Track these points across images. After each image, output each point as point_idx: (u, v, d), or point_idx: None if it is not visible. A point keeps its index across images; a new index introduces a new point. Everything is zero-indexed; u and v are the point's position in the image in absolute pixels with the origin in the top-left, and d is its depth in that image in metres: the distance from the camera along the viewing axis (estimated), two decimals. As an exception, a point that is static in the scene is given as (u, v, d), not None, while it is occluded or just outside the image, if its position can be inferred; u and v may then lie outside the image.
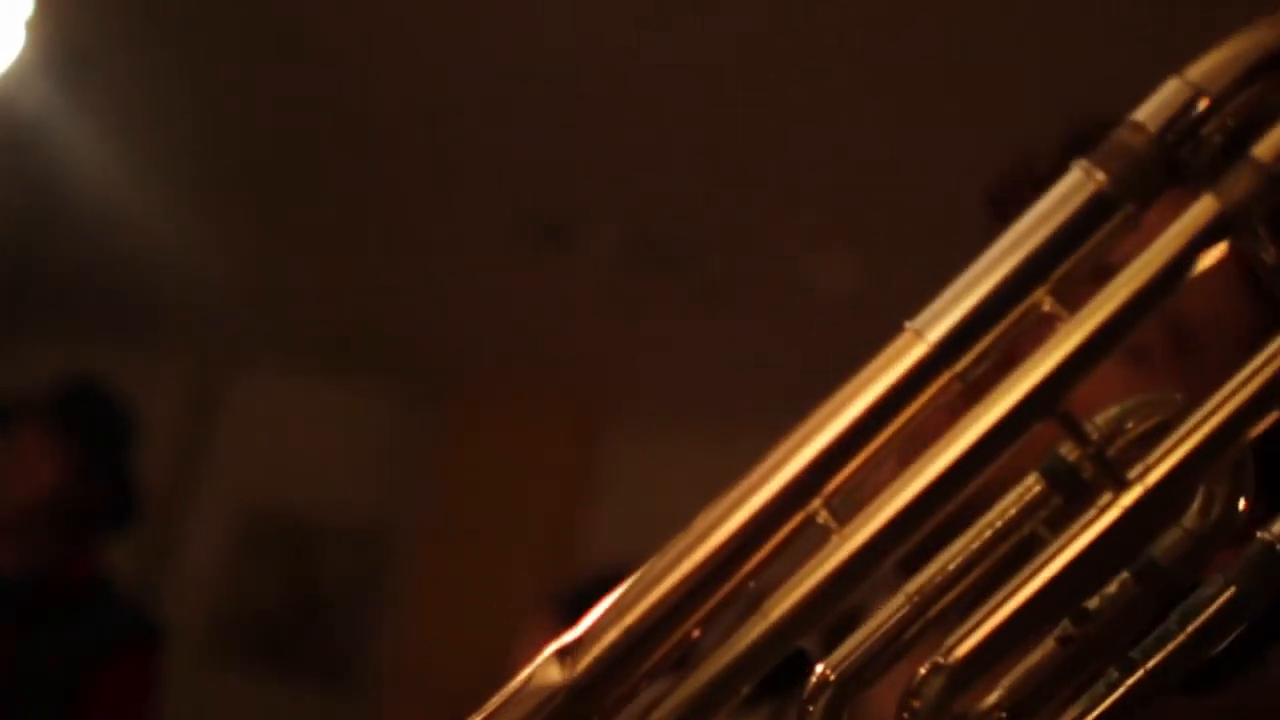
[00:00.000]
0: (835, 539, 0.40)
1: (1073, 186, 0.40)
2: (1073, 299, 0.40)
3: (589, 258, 3.87)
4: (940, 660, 0.43)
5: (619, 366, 4.73)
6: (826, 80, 2.95)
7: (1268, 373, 0.40)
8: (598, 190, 3.60)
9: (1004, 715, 0.44)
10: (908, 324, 0.41)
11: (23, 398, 2.67)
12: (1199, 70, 0.40)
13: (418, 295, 4.47)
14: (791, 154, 3.26)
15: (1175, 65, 0.41)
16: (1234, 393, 0.41)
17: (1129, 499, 0.41)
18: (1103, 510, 0.41)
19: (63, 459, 2.56)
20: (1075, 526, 0.41)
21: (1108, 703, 0.43)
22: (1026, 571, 0.42)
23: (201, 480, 5.29)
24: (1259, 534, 0.43)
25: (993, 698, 0.44)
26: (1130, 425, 0.43)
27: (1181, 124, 0.39)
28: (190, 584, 5.21)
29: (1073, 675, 0.44)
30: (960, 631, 0.42)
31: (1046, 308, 0.40)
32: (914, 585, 0.43)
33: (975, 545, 0.43)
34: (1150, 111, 0.40)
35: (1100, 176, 0.39)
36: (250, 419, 5.43)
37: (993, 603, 0.42)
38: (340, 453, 5.35)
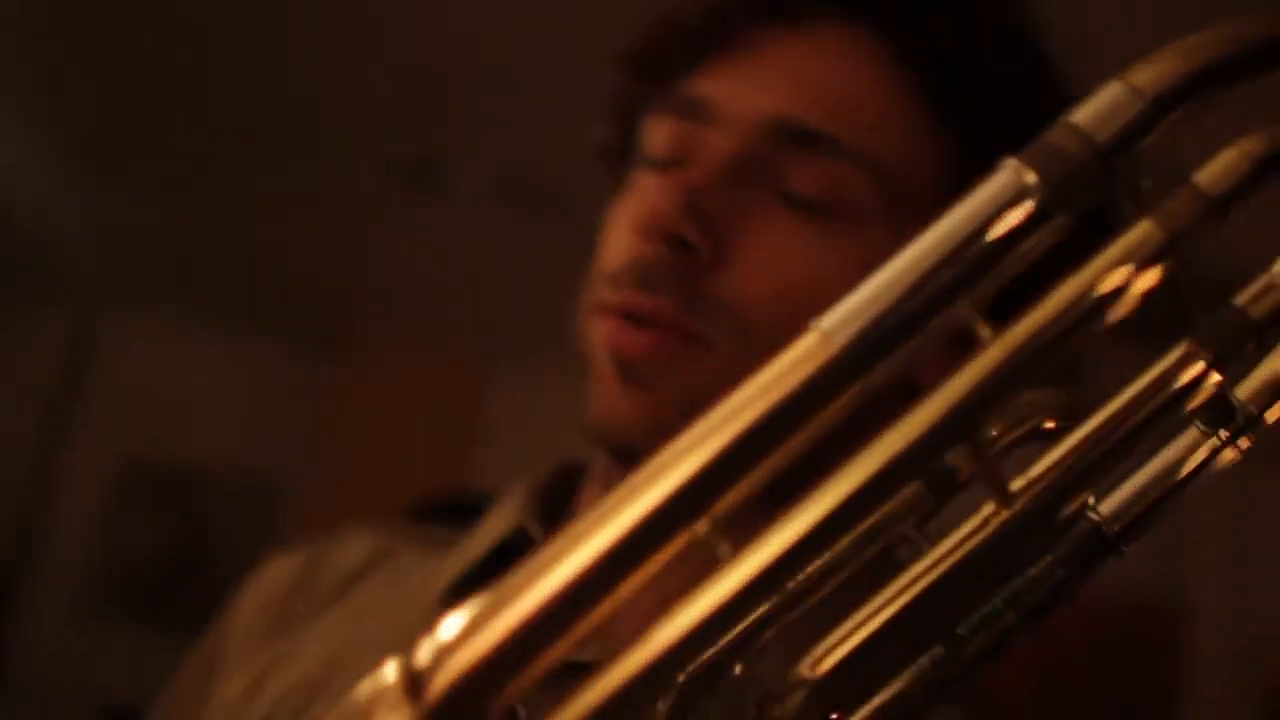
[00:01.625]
0: (725, 564, 0.36)
1: (1000, 186, 0.36)
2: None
3: (465, 199, 3.80)
4: (806, 674, 0.41)
5: (504, 311, 4.69)
6: None
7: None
8: (468, 128, 3.54)
9: (829, 701, 0.42)
10: (813, 323, 0.36)
11: None
12: (1145, 75, 0.37)
13: (299, 243, 4.38)
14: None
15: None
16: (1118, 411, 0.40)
17: (1008, 514, 0.39)
18: (985, 522, 0.40)
19: None
20: (955, 538, 0.40)
21: (933, 679, 0.42)
22: (901, 582, 0.41)
23: (78, 430, 5.18)
24: (1088, 514, 0.43)
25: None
26: (1017, 424, 0.42)
27: (1123, 134, 0.36)
28: (67, 534, 5.12)
29: (906, 662, 0.43)
30: (828, 643, 0.41)
31: (972, 325, 0.37)
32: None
33: (843, 547, 0.41)
34: (1091, 116, 0.37)
35: (1031, 180, 0.36)
36: (130, 370, 5.31)
37: (864, 615, 0.41)
38: (227, 403, 5.26)
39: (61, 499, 5.17)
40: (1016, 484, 0.40)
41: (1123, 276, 0.36)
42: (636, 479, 0.35)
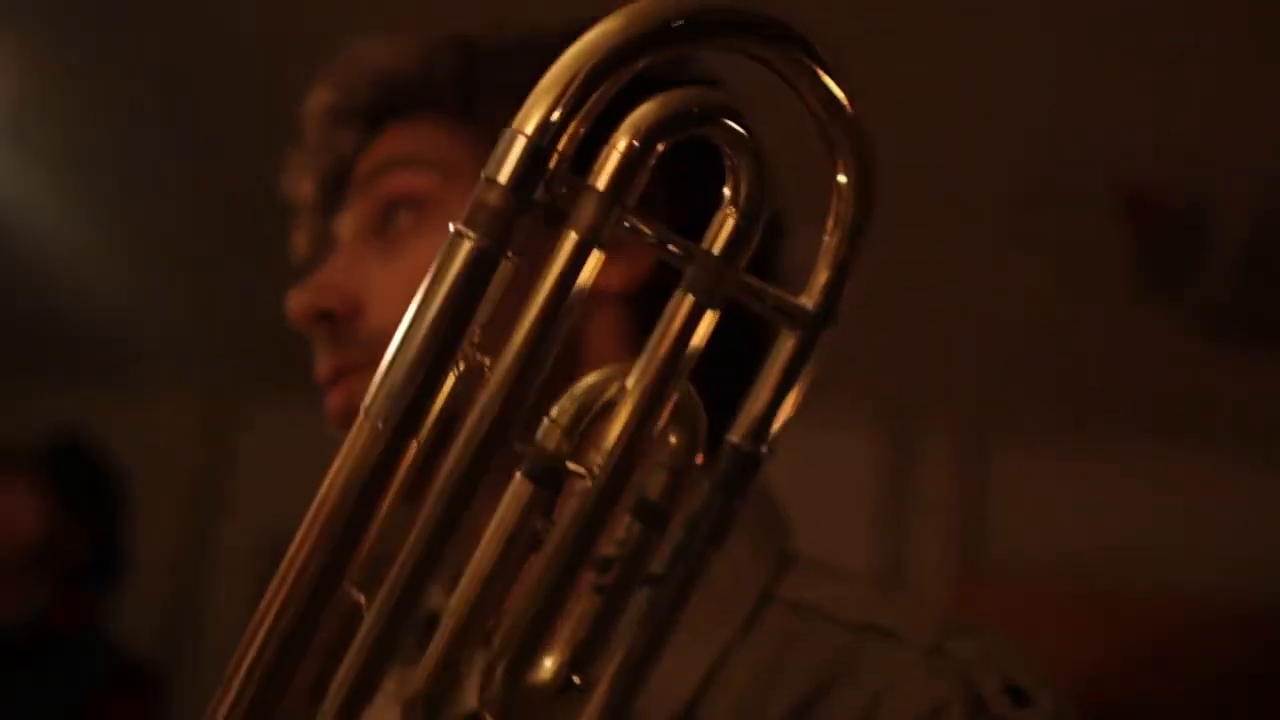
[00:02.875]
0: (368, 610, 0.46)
1: (451, 251, 0.44)
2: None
3: None
4: (491, 655, 0.49)
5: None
6: None
7: (666, 345, 0.47)
8: None
9: (569, 669, 0.50)
10: (363, 408, 0.45)
11: (9, 446, 2.73)
12: (524, 119, 0.44)
13: None
14: (766, 130, 3.27)
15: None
16: (646, 369, 0.47)
17: (597, 475, 0.47)
18: (581, 492, 0.48)
19: (49, 506, 2.61)
20: (566, 512, 0.48)
21: (653, 621, 0.51)
22: (542, 557, 0.48)
23: (224, 517, 5.33)
24: (727, 438, 0.50)
25: (555, 660, 0.50)
26: (583, 409, 0.48)
27: (526, 172, 0.43)
28: (217, 624, 5.25)
29: (616, 614, 0.50)
30: (503, 625, 0.48)
31: (474, 361, 0.45)
32: (454, 603, 0.48)
33: (495, 552, 0.48)
34: (496, 167, 0.44)
35: (472, 236, 0.44)
36: (273, 451, 5.47)
37: (524, 589, 0.48)
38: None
39: (211, 588, 5.32)
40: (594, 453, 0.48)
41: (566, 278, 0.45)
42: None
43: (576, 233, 0.45)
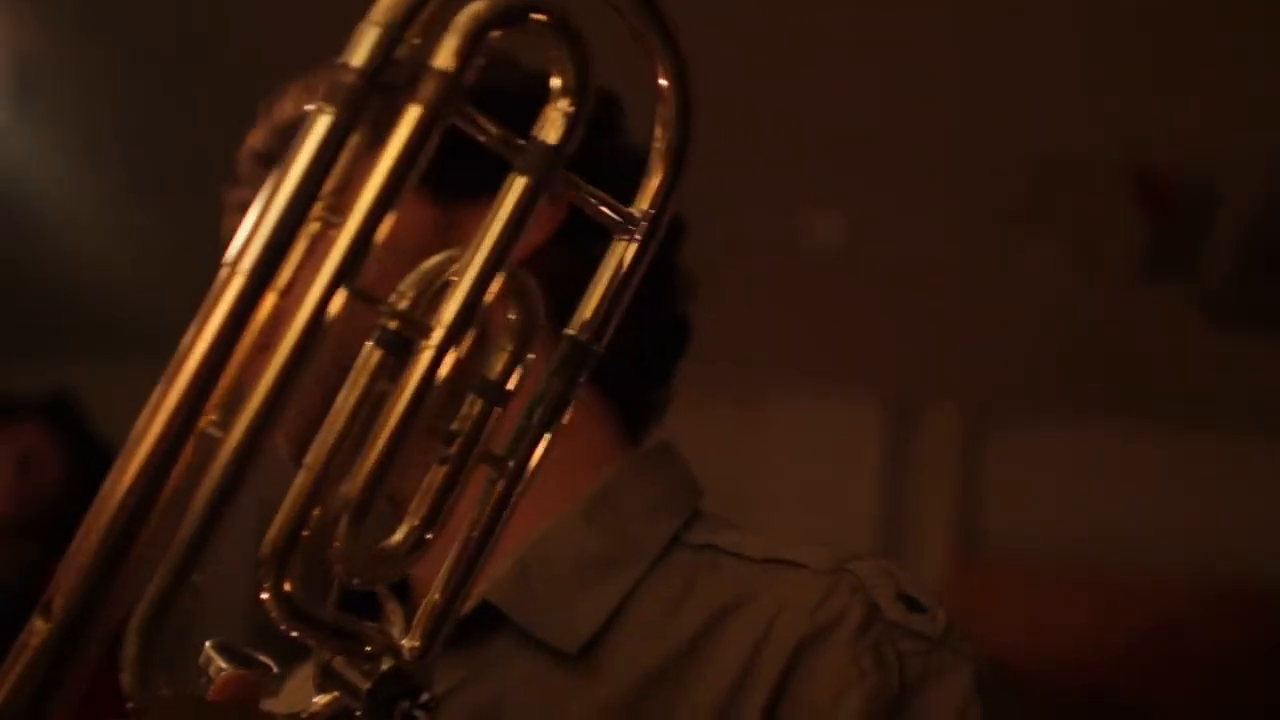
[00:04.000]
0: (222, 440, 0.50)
1: (309, 124, 0.49)
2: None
3: None
4: (336, 503, 0.53)
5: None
6: (810, 37, 2.95)
7: (497, 225, 0.53)
8: None
9: (419, 527, 0.56)
10: (224, 261, 0.50)
11: (8, 398, 2.67)
12: (379, 12, 0.49)
13: None
14: (772, 111, 3.27)
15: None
16: (478, 249, 0.53)
17: (435, 341, 0.53)
18: (422, 356, 0.53)
19: (69, 461, 2.56)
20: (409, 375, 0.53)
21: (494, 497, 0.57)
22: (385, 419, 0.53)
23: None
24: (565, 332, 0.56)
25: (407, 524, 0.56)
26: (426, 285, 0.54)
27: (376, 57, 0.49)
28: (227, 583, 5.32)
29: (460, 483, 0.56)
30: (348, 478, 0.53)
31: (322, 222, 0.50)
32: (309, 458, 0.53)
33: (346, 412, 0.53)
34: (351, 53, 0.49)
35: (328, 110, 0.49)
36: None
37: (368, 448, 0.54)
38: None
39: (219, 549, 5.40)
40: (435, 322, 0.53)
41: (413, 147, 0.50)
42: (146, 409, 0.50)
43: (419, 106, 0.50)
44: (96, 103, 3.34)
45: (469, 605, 0.77)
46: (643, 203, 0.57)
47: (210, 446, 0.50)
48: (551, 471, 0.80)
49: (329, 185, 0.49)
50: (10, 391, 2.73)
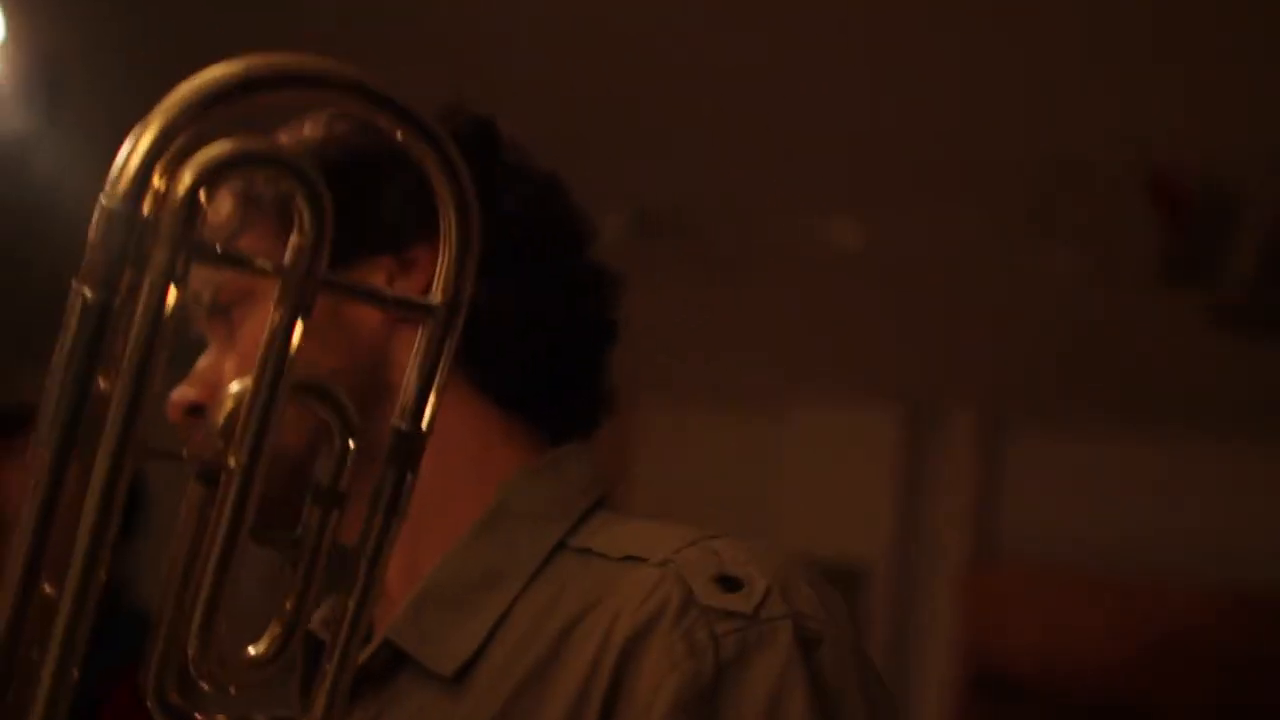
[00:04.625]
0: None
1: (70, 305, 0.54)
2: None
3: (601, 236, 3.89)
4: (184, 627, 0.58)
5: (642, 343, 4.77)
6: (828, 42, 2.95)
7: (266, 351, 0.57)
8: (605, 170, 3.64)
9: (281, 635, 0.60)
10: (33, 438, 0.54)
11: (18, 408, 2.76)
12: (107, 196, 0.53)
13: None
14: (790, 117, 3.26)
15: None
16: (256, 374, 0.57)
17: (239, 467, 0.57)
18: (230, 482, 0.57)
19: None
20: (226, 502, 0.57)
21: (353, 585, 0.60)
22: (214, 549, 0.58)
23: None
24: (391, 425, 0.60)
25: (269, 633, 0.60)
26: (229, 413, 0.58)
27: (120, 229, 0.53)
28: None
29: (310, 585, 0.60)
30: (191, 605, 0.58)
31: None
32: (159, 597, 0.59)
33: (184, 546, 0.59)
34: (92, 234, 0.54)
35: (85, 292, 0.53)
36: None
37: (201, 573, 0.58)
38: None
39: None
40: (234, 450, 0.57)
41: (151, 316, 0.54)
42: None
43: (151, 277, 0.54)
44: (127, 107, 3.37)
45: (372, 646, 0.83)
46: (437, 292, 0.60)
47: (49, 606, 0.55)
48: (453, 502, 0.86)
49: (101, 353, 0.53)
50: (22, 400, 2.77)
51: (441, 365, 0.60)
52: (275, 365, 0.56)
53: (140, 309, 0.53)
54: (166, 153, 0.52)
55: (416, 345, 0.60)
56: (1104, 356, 3.83)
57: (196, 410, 0.89)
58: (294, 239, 0.56)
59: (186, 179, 0.53)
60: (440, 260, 0.60)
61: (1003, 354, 4.02)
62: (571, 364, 0.94)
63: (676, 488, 3.81)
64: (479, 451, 0.88)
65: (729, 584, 0.77)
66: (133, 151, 0.52)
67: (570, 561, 0.84)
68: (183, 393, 0.90)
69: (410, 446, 0.59)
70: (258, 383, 0.56)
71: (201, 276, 0.90)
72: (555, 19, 2.99)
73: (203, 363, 0.92)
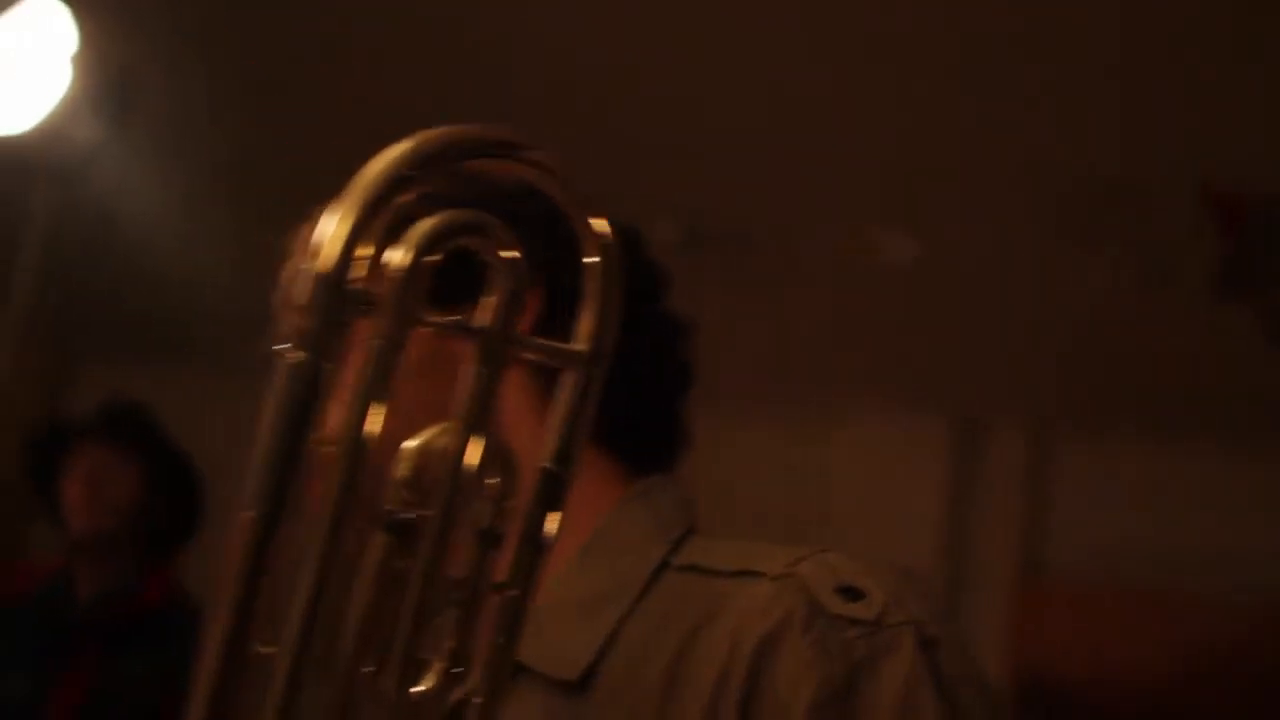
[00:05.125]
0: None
1: (276, 367, 0.54)
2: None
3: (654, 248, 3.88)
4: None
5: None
6: (882, 54, 2.95)
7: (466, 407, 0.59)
8: (657, 184, 3.65)
9: (448, 668, 0.62)
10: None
11: (79, 419, 2.74)
12: (312, 259, 0.55)
13: None
14: (841, 129, 3.27)
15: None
16: (456, 428, 0.60)
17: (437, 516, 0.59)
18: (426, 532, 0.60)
19: (135, 477, 2.63)
20: (421, 553, 0.60)
21: (507, 619, 0.63)
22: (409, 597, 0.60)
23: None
24: (542, 466, 0.63)
25: (435, 669, 0.62)
26: (418, 466, 0.61)
27: (330, 296, 0.54)
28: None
29: (473, 620, 0.62)
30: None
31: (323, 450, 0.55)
32: (343, 642, 0.59)
33: (368, 593, 0.60)
34: (299, 294, 0.55)
35: (291, 354, 0.54)
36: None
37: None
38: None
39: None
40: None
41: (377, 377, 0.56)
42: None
43: (377, 343, 0.56)
44: (195, 118, 3.39)
45: None
46: (581, 341, 0.63)
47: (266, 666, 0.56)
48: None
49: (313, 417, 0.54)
50: (79, 409, 2.80)
51: (586, 410, 0.63)
52: (478, 419, 0.59)
53: (366, 373, 0.55)
54: (367, 227, 0.55)
55: (561, 390, 0.63)
56: (1154, 369, 3.82)
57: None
58: (491, 300, 0.59)
59: (406, 251, 0.56)
60: (589, 310, 0.63)
61: (1052, 367, 4.01)
62: (657, 405, 1.02)
63: (722, 499, 3.80)
64: (578, 485, 0.92)
65: (850, 594, 0.83)
66: (338, 222, 0.55)
67: (677, 579, 0.90)
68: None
69: (558, 486, 0.63)
70: (460, 436, 0.58)
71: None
72: (612, 29, 3.01)
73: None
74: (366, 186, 0.54)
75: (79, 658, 2.56)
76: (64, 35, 2.71)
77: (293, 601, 0.55)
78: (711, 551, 0.91)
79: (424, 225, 0.56)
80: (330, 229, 0.54)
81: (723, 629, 0.83)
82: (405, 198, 0.55)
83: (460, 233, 0.57)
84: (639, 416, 0.99)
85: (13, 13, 2.74)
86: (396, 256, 0.56)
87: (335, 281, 0.54)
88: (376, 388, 0.55)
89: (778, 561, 0.85)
